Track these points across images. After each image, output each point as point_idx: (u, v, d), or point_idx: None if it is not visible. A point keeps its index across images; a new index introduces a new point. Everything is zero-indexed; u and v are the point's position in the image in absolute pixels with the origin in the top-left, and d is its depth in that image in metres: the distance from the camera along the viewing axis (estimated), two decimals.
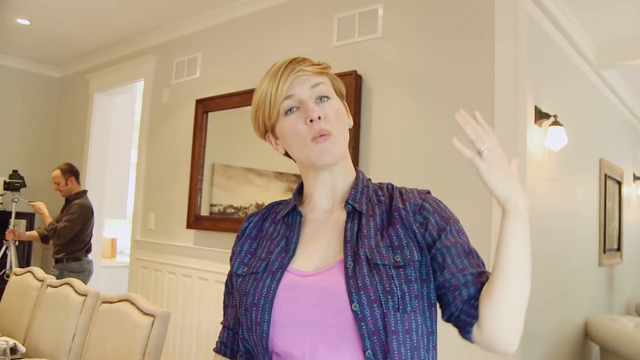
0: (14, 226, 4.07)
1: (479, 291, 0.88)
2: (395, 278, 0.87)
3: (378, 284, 0.86)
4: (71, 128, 5.16)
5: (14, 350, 2.16)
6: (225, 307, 1.13)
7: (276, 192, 3.13)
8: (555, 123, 2.87)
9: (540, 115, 2.83)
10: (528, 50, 2.47)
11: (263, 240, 1.03)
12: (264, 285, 0.92)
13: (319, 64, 1.00)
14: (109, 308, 2.12)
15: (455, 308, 0.90)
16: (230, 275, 1.08)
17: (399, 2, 2.75)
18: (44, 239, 3.94)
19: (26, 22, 4.16)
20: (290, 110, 0.97)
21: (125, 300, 2.09)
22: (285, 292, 0.91)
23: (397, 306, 0.85)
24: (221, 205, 3.45)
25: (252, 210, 3.23)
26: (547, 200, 2.96)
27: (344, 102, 1.05)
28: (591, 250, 3.87)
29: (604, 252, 4.07)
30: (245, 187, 3.35)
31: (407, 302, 0.86)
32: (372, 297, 0.84)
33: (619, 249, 4.55)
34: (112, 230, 6.08)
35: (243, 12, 3.51)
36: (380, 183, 1.07)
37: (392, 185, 1.05)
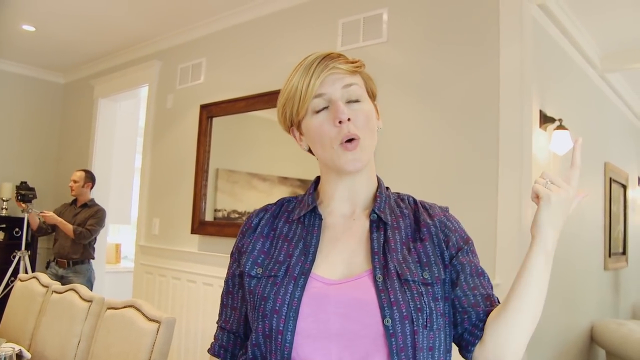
0: (40, 212, 4.12)
1: (487, 314, 0.90)
2: (424, 295, 0.87)
3: (410, 301, 0.85)
4: (76, 134, 5.17)
5: (19, 356, 2.16)
6: (224, 306, 1.04)
7: (280, 197, 3.12)
8: (560, 127, 2.86)
9: (545, 119, 2.81)
10: (533, 54, 2.46)
11: (277, 240, 0.99)
12: (286, 291, 0.88)
13: (353, 62, 0.96)
14: (114, 314, 2.12)
15: (461, 328, 0.91)
16: (234, 275, 1.02)
17: (404, 7, 2.75)
18: (76, 233, 4.02)
19: (31, 29, 4.18)
20: (320, 109, 0.94)
21: (131, 306, 2.08)
22: (311, 300, 0.87)
23: (425, 323, 0.85)
24: (225, 210, 3.45)
25: None
26: None
27: (375, 102, 1.01)
28: (596, 254, 3.85)
29: (610, 256, 4.05)
30: (249, 192, 3.35)
31: (434, 319, 0.86)
32: (405, 313, 0.84)
33: (624, 252, 4.53)
34: (117, 236, 6.08)
35: (247, 18, 3.51)
36: (398, 194, 1.05)
37: (414, 198, 1.03)
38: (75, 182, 4.20)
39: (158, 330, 1.91)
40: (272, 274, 0.92)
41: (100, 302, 2.28)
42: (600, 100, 3.98)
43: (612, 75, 3.92)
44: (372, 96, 0.99)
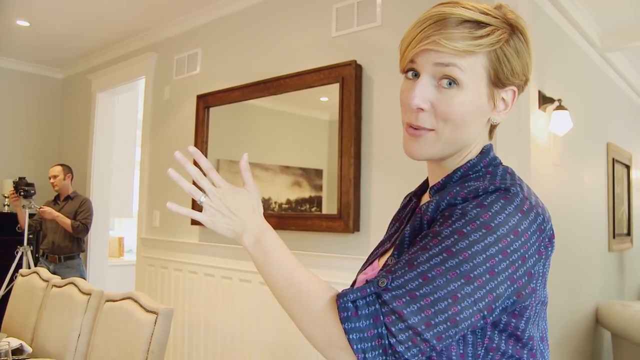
0: (39, 207, 4.13)
1: None
2: None
3: None
4: (75, 128, 5.16)
5: (20, 350, 2.16)
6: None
7: (282, 186, 3.10)
8: (560, 107, 2.82)
9: (544, 100, 2.78)
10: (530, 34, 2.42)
11: None
12: None
13: (476, 38, 0.76)
14: (112, 306, 2.12)
15: None
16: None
17: None
18: (74, 228, 4.05)
19: (26, 24, 4.15)
20: (411, 73, 0.82)
21: (129, 298, 2.08)
22: None
23: None
24: None
25: None
26: (553, 186, 2.92)
27: (510, 88, 0.82)
28: (600, 236, 3.82)
29: (614, 237, 4.02)
30: None
31: None
32: None
33: (628, 233, 4.50)
34: (120, 230, 6.10)
35: (241, 6, 3.48)
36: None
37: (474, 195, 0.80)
38: (55, 177, 4.22)
39: (156, 321, 1.90)
40: None
41: (98, 295, 2.28)
42: (601, 80, 3.93)
43: (613, 54, 3.86)
44: (498, 81, 0.80)
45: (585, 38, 3.41)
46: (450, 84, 0.77)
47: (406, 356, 0.70)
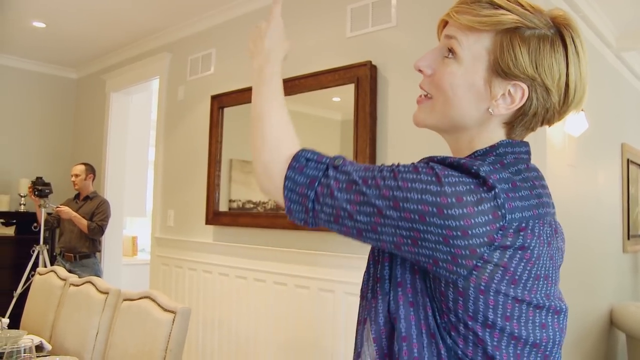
0: (56, 207, 4.18)
1: None
2: None
3: None
4: (89, 128, 5.21)
5: (40, 347, 2.19)
6: None
7: None
8: None
9: None
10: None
11: None
12: None
13: (481, 16, 0.78)
14: (130, 305, 2.14)
15: None
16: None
17: None
18: (90, 229, 4.09)
19: (42, 25, 4.20)
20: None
21: (146, 297, 2.10)
22: None
23: None
24: (240, 200, 3.46)
25: (270, 206, 3.22)
26: (568, 187, 2.91)
27: (521, 84, 0.78)
28: (615, 237, 3.81)
29: (628, 239, 3.99)
30: None
31: None
32: None
33: None
34: (133, 228, 6.14)
35: (255, 6, 3.49)
36: None
37: None
38: (77, 176, 4.27)
39: (174, 320, 1.92)
40: None
41: (116, 294, 2.31)
42: (615, 80, 3.90)
43: (628, 54, 3.84)
44: (500, 69, 0.79)
45: (601, 38, 3.40)
46: (450, 55, 0.82)
47: (325, 224, 0.78)
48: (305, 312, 2.91)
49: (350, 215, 0.75)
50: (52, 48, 4.81)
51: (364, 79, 2.72)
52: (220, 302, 3.41)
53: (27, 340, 1.61)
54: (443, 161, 0.76)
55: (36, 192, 4.19)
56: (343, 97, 2.86)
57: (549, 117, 0.82)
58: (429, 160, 0.77)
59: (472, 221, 0.68)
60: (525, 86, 0.78)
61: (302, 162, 0.80)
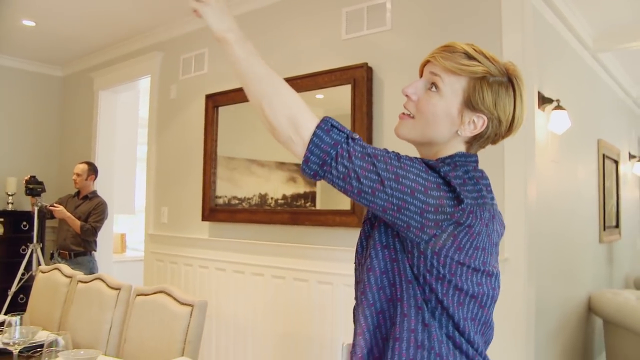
0: (50, 205, 4.19)
1: None
2: None
3: None
4: (77, 126, 5.21)
5: (55, 343, 2.25)
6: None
7: (278, 182, 3.22)
8: (558, 107, 2.98)
9: (544, 100, 2.93)
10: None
11: None
12: None
13: (461, 64, 1.04)
14: (144, 300, 2.22)
15: None
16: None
17: None
18: (82, 230, 4.11)
19: (32, 24, 4.20)
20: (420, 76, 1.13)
21: (161, 292, 2.19)
22: None
23: None
24: (226, 197, 3.54)
25: (255, 201, 3.32)
26: (551, 182, 3.08)
27: (478, 114, 1.05)
28: (592, 228, 4.01)
29: (604, 229, 4.21)
30: (248, 178, 3.43)
31: None
32: None
33: (617, 225, 4.70)
34: (121, 226, 6.16)
35: (250, 7, 3.57)
36: None
37: None
38: (78, 175, 4.28)
39: (191, 313, 2.02)
40: None
41: (128, 290, 2.38)
42: (592, 80, 4.11)
43: (604, 55, 4.04)
44: (470, 104, 1.05)
45: (579, 40, 3.58)
46: (433, 88, 1.07)
47: (332, 179, 0.98)
48: (303, 304, 3.03)
49: (358, 177, 0.95)
50: (41, 46, 4.79)
51: (360, 80, 2.83)
52: (217, 297, 3.49)
53: (51, 337, 1.69)
54: (426, 162, 1.02)
55: (27, 191, 4.20)
56: (326, 94, 3.00)
57: (496, 139, 1.11)
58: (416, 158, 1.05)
59: (444, 202, 0.95)
60: (486, 118, 1.06)
61: (329, 126, 0.98)
